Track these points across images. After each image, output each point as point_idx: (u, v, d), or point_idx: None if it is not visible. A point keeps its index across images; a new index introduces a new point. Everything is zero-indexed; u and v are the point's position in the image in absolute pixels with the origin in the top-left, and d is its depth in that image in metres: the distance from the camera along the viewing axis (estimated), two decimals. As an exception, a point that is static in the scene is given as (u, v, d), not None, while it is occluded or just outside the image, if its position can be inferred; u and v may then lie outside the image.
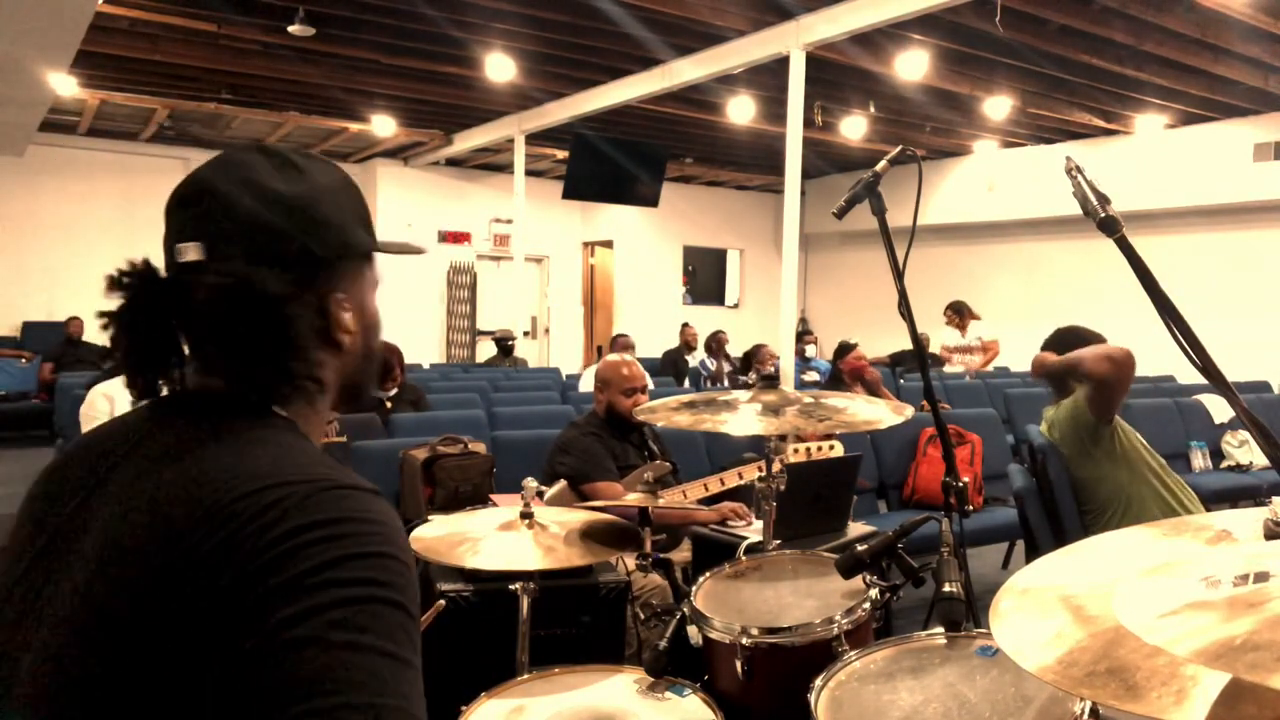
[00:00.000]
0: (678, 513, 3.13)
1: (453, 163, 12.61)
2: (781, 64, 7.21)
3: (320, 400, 0.92)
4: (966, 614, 1.61)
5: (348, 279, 0.91)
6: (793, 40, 7.00)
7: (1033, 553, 3.38)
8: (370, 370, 0.97)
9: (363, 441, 4.01)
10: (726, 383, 8.83)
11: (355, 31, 7.40)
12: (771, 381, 2.26)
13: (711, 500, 3.28)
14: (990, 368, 9.25)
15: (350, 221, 0.91)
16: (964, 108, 9.40)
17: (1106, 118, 9.89)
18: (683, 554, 3.24)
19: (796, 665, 1.69)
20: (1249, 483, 5.76)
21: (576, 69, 8.48)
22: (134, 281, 0.85)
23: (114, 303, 0.87)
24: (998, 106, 9.08)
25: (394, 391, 4.92)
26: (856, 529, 3.21)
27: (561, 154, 11.42)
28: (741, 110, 9.25)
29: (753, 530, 2.92)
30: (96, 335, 9.94)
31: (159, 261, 0.88)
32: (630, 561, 2.55)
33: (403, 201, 12.31)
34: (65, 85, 7.99)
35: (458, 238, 12.92)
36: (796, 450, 3.38)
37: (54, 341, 10.23)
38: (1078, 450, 3.10)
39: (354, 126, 10.50)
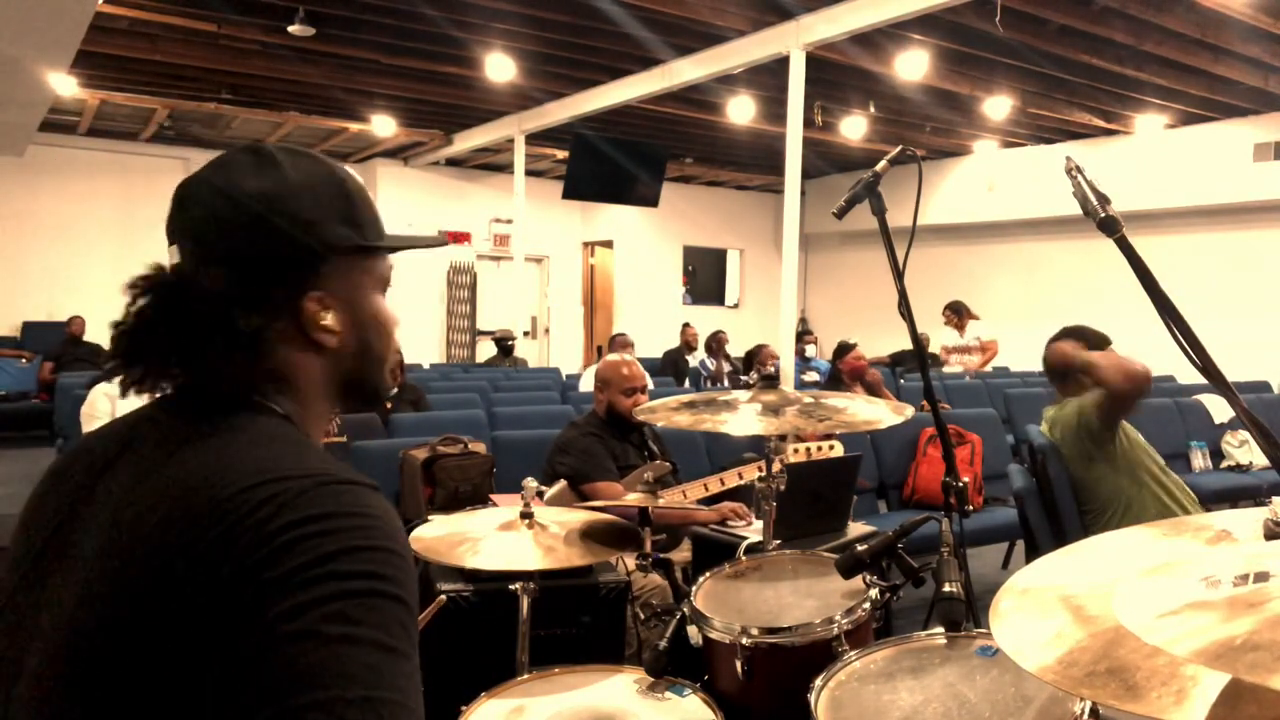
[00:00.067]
0: (678, 513, 3.13)
1: (453, 163, 12.62)
2: (781, 64, 7.21)
3: (313, 398, 0.91)
4: (966, 614, 1.61)
5: (331, 277, 0.89)
6: (793, 40, 7.00)
7: (1033, 553, 3.38)
8: (371, 369, 0.95)
9: (363, 441, 4.01)
10: (726, 383, 8.83)
11: (355, 31, 7.40)
12: (771, 381, 2.26)
13: (711, 500, 3.28)
14: (989, 368, 9.25)
15: (327, 218, 0.89)
16: (964, 108, 9.40)
17: (1106, 118, 9.89)
18: (683, 554, 3.24)
19: (796, 665, 1.69)
20: (1249, 483, 5.76)
21: (576, 69, 8.48)
22: (138, 284, 0.86)
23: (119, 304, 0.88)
24: (998, 106, 9.08)
25: (394, 391, 4.93)
26: (856, 529, 3.21)
27: (561, 154, 11.42)
28: (741, 110, 9.25)
29: (753, 530, 2.92)
30: (98, 334, 9.95)
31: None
32: (630, 561, 2.55)
33: (403, 201, 12.30)
34: (65, 85, 7.99)
35: (458, 238, 12.92)
36: (796, 450, 3.38)
37: (54, 341, 10.23)
38: (1079, 452, 3.10)
39: (354, 126, 10.50)
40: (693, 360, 9.72)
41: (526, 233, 11.38)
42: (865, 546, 1.75)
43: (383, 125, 10.37)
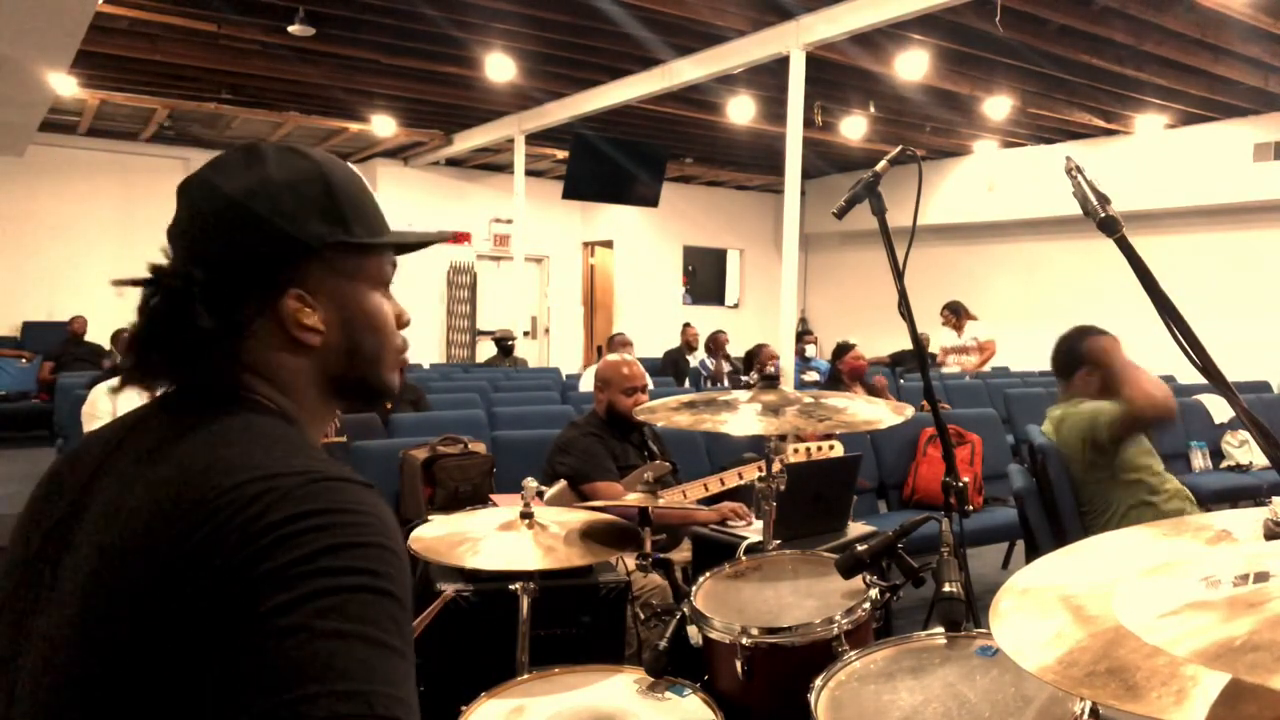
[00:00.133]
0: (678, 513, 3.13)
1: (453, 163, 12.62)
2: (781, 64, 7.21)
3: (306, 397, 0.90)
4: (966, 614, 1.61)
5: (315, 274, 0.88)
6: (793, 40, 7.00)
7: (1033, 553, 3.37)
8: (364, 368, 0.93)
9: (363, 441, 4.01)
10: (726, 383, 8.83)
11: (355, 31, 7.40)
12: (771, 381, 2.26)
13: (711, 500, 3.28)
14: (987, 367, 9.25)
15: (308, 215, 0.87)
16: (964, 108, 9.40)
17: (1106, 118, 9.89)
18: (683, 554, 3.24)
19: (796, 665, 1.69)
20: (1249, 483, 5.76)
21: (576, 69, 8.48)
22: (126, 282, 0.87)
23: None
24: (998, 106, 9.08)
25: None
26: (856, 529, 3.21)
27: (561, 154, 11.42)
28: (741, 110, 9.26)
29: (753, 530, 2.92)
30: (99, 335, 9.95)
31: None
32: (630, 561, 2.55)
33: (403, 201, 12.30)
34: (65, 85, 8.00)
35: (458, 238, 12.92)
36: (796, 450, 3.38)
37: (54, 341, 10.24)
38: (1080, 456, 3.08)
39: (354, 126, 10.50)
40: (693, 360, 9.72)
41: (526, 233, 11.38)
42: (865, 546, 1.75)
43: (383, 125, 10.37)
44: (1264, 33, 7.02)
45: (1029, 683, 1.39)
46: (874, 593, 1.79)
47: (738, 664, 1.75)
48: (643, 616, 2.70)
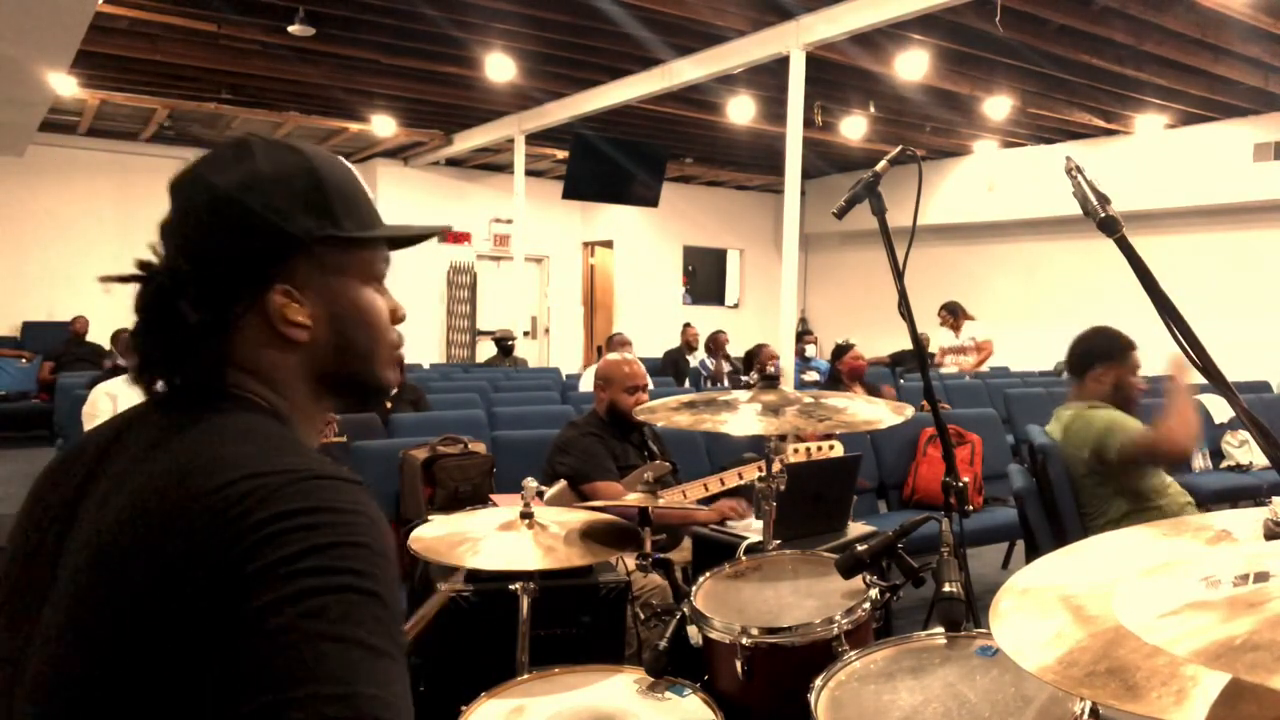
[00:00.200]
0: (677, 512, 3.13)
1: (453, 163, 12.62)
2: (781, 64, 7.21)
3: (297, 394, 0.89)
4: (966, 614, 1.61)
5: (302, 269, 0.87)
6: (793, 40, 7.00)
7: (1033, 553, 3.37)
8: (355, 365, 0.92)
9: (363, 441, 4.01)
10: (726, 383, 8.83)
11: (355, 31, 7.40)
12: (771, 381, 2.26)
13: (711, 500, 3.27)
14: (985, 367, 9.24)
15: (295, 209, 0.86)
16: (964, 108, 9.40)
17: (1106, 118, 9.89)
18: (683, 554, 3.24)
19: (796, 665, 1.69)
20: (1249, 483, 5.76)
21: (576, 69, 8.48)
22: (116, 278, 0.88)
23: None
24: (998, 106, 9.08)
25: (394, 391, 4.93)
26: (856, 529, 3.21)
27: (561, 154, 11.42)
28: (741, 110, 9.25)
29: (753, 530, 2.92)
30: (100, 335, 9.95)
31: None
32: (630, 561, 2.55)
33: (403, 201, 12.30)
34: (65, 85, 7.99)
35: (458, 238, 12.92)
36: (796, 450, 3.38)
37: (54, 341, 10.23)
38: (1084, 461, 3.06)
39: (354, 126, 10.50)
40: (693, 360, 9.72)
41: (526, 233, 11.38)
42: (865, 546, 1.75)
43: (383, 125, 10.37)
44: (1264, 33, 7.02)
45: (1029, 683, 1.39)
46: (874, 593, 1.79)
47: (738, 664, 1.75)
48: (643, 616, 2.70)
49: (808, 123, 7.82)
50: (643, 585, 2.87)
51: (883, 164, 2.10)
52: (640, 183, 11.40)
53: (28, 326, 10.83)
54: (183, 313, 0.83)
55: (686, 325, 10.40)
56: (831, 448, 3.48)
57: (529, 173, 11.44)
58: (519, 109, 10.04)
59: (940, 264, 11.82)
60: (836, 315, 13.91)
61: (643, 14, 6.80)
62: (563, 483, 3.27)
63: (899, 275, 2.09)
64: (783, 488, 2.24)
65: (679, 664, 1.86)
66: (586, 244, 14.39)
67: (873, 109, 9.49)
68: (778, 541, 2.26)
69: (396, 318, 0.96)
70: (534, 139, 10.68)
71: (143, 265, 0.86)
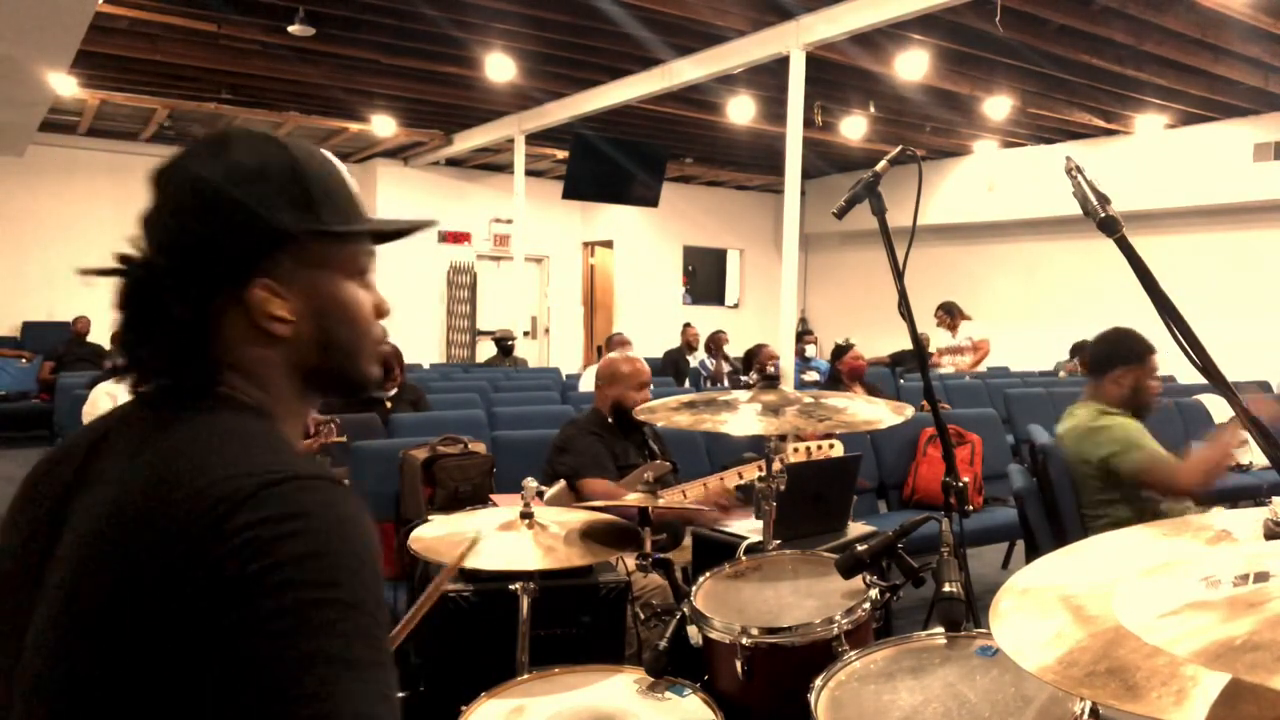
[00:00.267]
0: (676, 510, 3.13)
1: (453, 163, 12.62)
2: (781, 64, 7.21)
3: (280, 391, 0.88)
4: (966, 614, 1.61)
5: (283, 263, 0.85)
6: (793, 40, 7.00)
7: (1033, 553, 3.37)
8: (338, 361, 0.91)
9: (363, 441, 4.01)
10: (726, 383, 8.83)
11: (355, 31, 7.40)
12: (771, 381, 2.26)
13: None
14: (983, 367, 9.24)
15: (276, 203, 0.84)
16: (964, 108, 9.40)
17: (1106, 118, 9.89)
18: (683, 554, 3.23)
19: (796, 665, 1.69)
20: (1249, 483, 5.75)
21: (576, 69, 8.48)
22: (93, 272, 0.87)
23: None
24: (998, 106, 9.08)
25: (394, 391, 4.93)
26: (856, 529, 3.20)
27: (561, 154, 11.42)
28: (741, 110, 9.25)
29: (752, 530, 2.92)
30: (101, 335, 9.95)
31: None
32: (630, 561, 2.55)
33: (403, 201, 12.30)
34: (65, 85, 7.99)
35: (458, 238, 12.92)
36: (796, 449, 3.37)
37: (54, 341, 10.23)
38: (1089, 463, 3.04)
39: (354, 126, 10.50)
40: (693, 360, 9.72)
41: (526, 233, 11.38)
42: (865, 546, 1.75)
43: (383, 125, 10.37)
44: (1264, 33, 7.02)
45: (1029, 683, 1.39)
46: (874, 593, 1.78)
47: (738, 664, 1.75)
48: (643, 616, 2.70)
49: (808, 123, 7.82)
50: (643, 585, 2.86)
51: (883, 164, 2.10)
52: (640, 183, 11.40)
53: (28, 326, 10.83)
54: (165, 307, 0.82)
55: (686, 325, 10.41)
56: (831, 446, 3.47)
57: (529, 173, 11.44)
58: (519, 109, 10.04)
59: (940, 264, 11.82)
60: (836, 315, 13.91)
61: (643, 14, 6.80)
62: (563, 482, 3.27)
63: (899, 275, 2.09)
64: (783, 488, 2.24)
65: (679, 664, 1.86)
66: (586, 244, 14.39)
67: (873, 109, 9.49)
68: (778, 541, 2.26)
69: (381, 313, 0.95)
70: (534, 139, 10.68)
71: (123, 259, 0.85)
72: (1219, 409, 6.21)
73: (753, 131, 10.29)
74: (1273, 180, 9.60)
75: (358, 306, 0.91)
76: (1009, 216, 11.83)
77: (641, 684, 1.84)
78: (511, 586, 2.09)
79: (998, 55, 7.72)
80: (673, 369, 9.56)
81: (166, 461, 0.76)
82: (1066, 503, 3.14)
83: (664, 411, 2.21)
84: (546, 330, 13.73)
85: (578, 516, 2.17)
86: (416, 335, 11.83)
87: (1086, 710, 1.16)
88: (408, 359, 5.90)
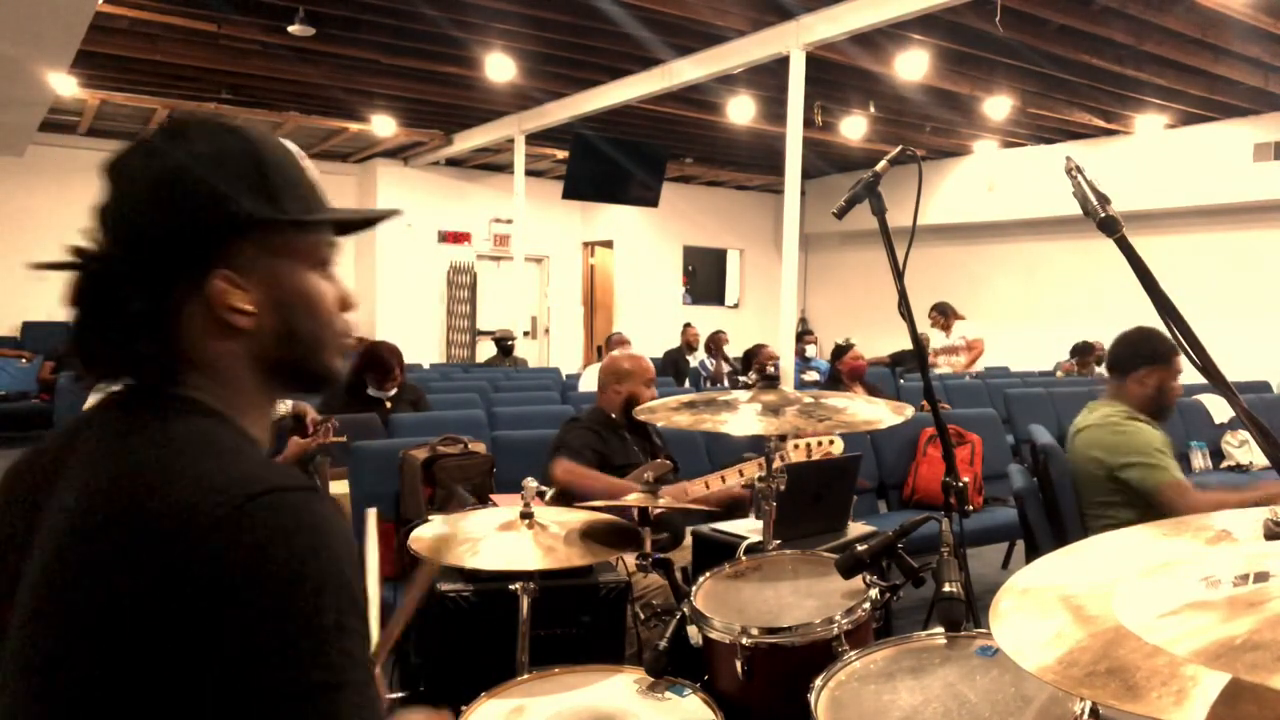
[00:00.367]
0: (718, 494, 3.17)
1: (453, 163, 12.61)
2: (781, 64, 7.21)
3: (241, 385, 0.85)
4: (966, 614, 1.61)
5: (244, 254, 0.83)
6: (793, 40, 7.00)
7: (1033, 553, 3.36)
8: (301, 353, 0.88)
9: (363, 441, 4.01)
10: (726, 383, 8.83)
11: (355, 31, 7.40)
12: (771, 381, 2.26)
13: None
14: (978, 366, 9.25)
15: (235, 191, 0.82)
16: (964, 108, 9.40)
17: (1106, 118, 9.89)
18: (683, 554, 3.23)
19: (796, 665, 1.69)
20: (1249, 483, 5.76)
21: (576, 69, 8.48)
22: (46, 266, 0.86)
23: None
24: (998, 106, 9.08)
25: (394, 391, 4.92)
26: (856, 529, 3.20)
27: (561, 154, 11.42)
28: (741, 110, 9.25)
29: (752, 530, 2.92)
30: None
31: None
32: (630, 561, 2.55)
33: (403, 201, 12.29)
34: (65, 85, 7.99)
35: (458, 238, 12.92)
36: (797, 446, 3.37)
37: (54, 341, 10.22)
38: (1100, 464, 3.02)
39: (354, 126, 10.50)
40: (693, 360, 9.72)
41: (526, 233, 11.38)
42: (865, 546, 1.75)
43: (383, 125, 10.37)
44: (1264, 33, 7.02)
45: (1029, 683, 1.39)
46: (874, 593, 1.79)
47: (738, 664, 1.75)
48: (643, 616, 2.70)
49: (808, 123, 7.82)
50: (643, 585, 2.86)
51: (883, 164, 2.10)
52: (640, 183, 11.40)
53: (28, 326, 10.83)
54: (122, 300, 0.80)
55: (686, 325, 10.41)
56: (832, 442, 3.47)
57: (529, 173, 11.44)
58: (519, 109, 10.04)
59: (940, 264, 11.83)
60: (836, 315, 13.92)
61: (643, 14, 6.80)
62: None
63: (899, 275, 2.09)
64: (783, 488, 2.24)
65: (679, 664, 1.86)
66: (586, 244, 14.39)
67: (873, 109, 9.49)
68: (778, 541, 2.26)
69: (346, 305, 0.92)
70: (534, 139, 10.68)
71: (78, 252, 0.82)
72: (1219, 409, 6.21)
73: (753, 131, 10.29)
74: (1273, 180, 9.60)
75: (320, 297, 0.89)
76: (1009, 216, 11.83)
77: (641, 684, 1.84)
78: (511, 586, 2.09)
79: (998, 55, 7.72)
80: (673, 369, 9.56)
81: (127, 476, 0.74)
82: (1066, 503, 3.14)
83: (664, 411, 2.21)
84: (546, 330, 13.73)
85: (578, 516, 2.18)
86: (416, 335, 11.83)
87: (1086, 710, 1.16)
88: (408, 359, 5.91)
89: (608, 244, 14.16)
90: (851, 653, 1.63)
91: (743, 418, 2.12)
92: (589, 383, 6.77)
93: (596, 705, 1.78)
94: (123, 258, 0.81)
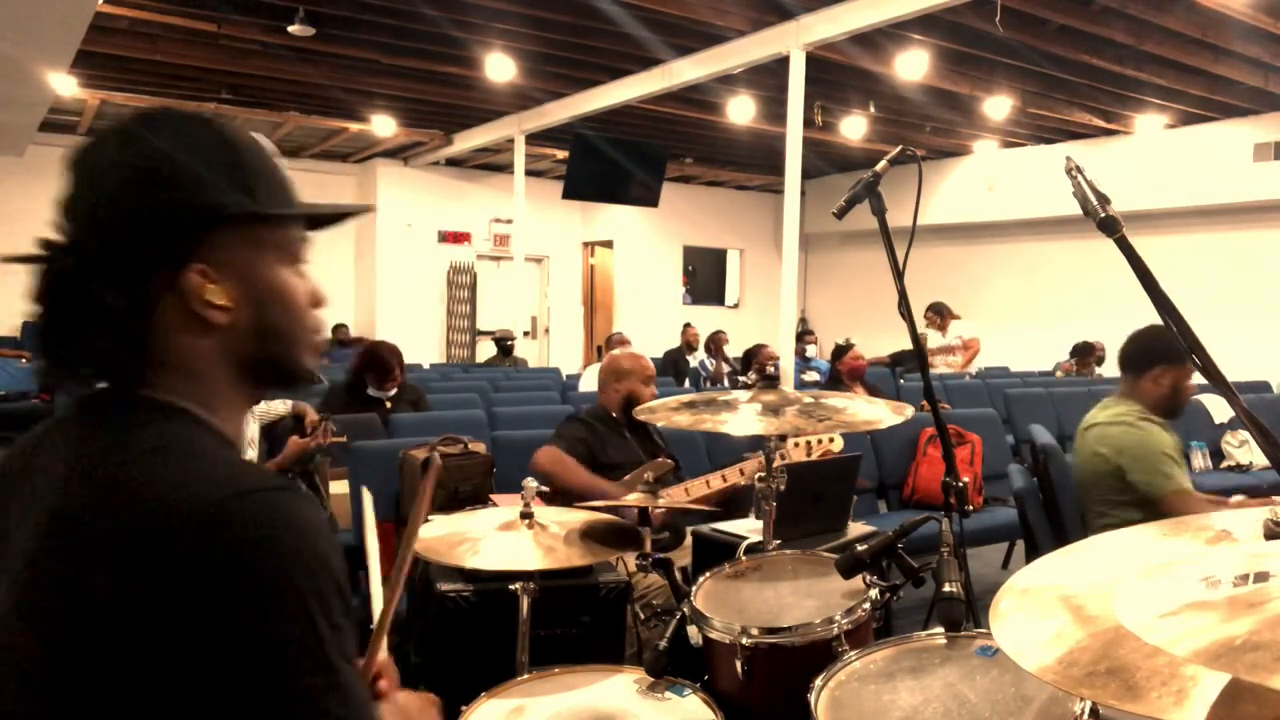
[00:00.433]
0: (683, 504, 3.16)
1: (453, 163, 12.62)
2: (781, 64, 7.21)
3: (215, 384, 0.83)
4: (966, 614, 1.61)
5: (219, 247, 0.81)
6: (793, 40, 7.00)
7: (1033, 553, 3.36)
8: (276, 349, 0.86)
9: (363, 441, 4.01)
10: (726, 383, 8.83)
11: (355, 31, 7.40)
12: (771, 381, 2.26)
13: (713, 498, 3.27)
14: (974, 366, 9.25)
15: (210, 184, 0.80)
16: (964, 108, 9.40)
17: (1106, 118, 9.89)
18: (683, 554, 3.23)
19: (796, 665, 1.69)
20: (1249, 483, 5.75)
21: (576, 69, 8.48)
22: (11, 260, 0.85)
23: None
24: (998, 106, 9.08)
25: (394, 391, 4.92)
26: (856, 529, 3.20)
27: (561, 154, 11.42)
28: (741, 110, 9.25)
29: (752, 530, 2.92)
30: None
31: None
32: (630, 561, 2.55)
33: (403, 201, 12.30)
34: (65, 85, 7.99)
35: (458, 238, 12.92)
36: (797, 443, 3.37)
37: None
38: (1109, 461, 3.01)
39: (354, 126, 10.50)
40: (693, 360, 9.72)
41: (526, 233, 11.38)
42: (865, 546, 1.75)
43: (383, 125, 10.37)
44: (1264, 33, 7.02)
45: (1029, 683, 1.39)
46: (874, 593, 1.78)
47: (738, 664, 1.75)
48: (643, 616, 2.70)
49: (808, 123, 7.82)
50: (643, 585, 2.87)
51: (883, 164, 2.10)
52: (640, 183, 11.40)
53: (28, 326, 10.82)
54: (92, 295, 0.77)
55: (686, 325, 10.41)
56: (831, 440, 3.47)
57: (529, 173, 11.45)
58: (519, 109, 10.04)
59: (940, 264, 11.83)
60: (836, 315, 13.92)
61: (643, 14, 6.80)
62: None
63: (899, 275, 2.09)
64: (783, 488, 2.24)
65: (679, 664, 1.85)
66: (586, 244, 14.39)
67: (873, 109, 9.49)
68: (778, 541, 2.26)
69: (317, 302, 0.90)
70: (534, 139, 10.68)
71: (46, 245, 0.80)
72: (1219, 409, 6.21)
73: (753, 131, 10.29)
74: (1273, 180, 9.61)
75: (294, 293, 0.87)
76: (1009, 216, 11.83)
77: (641, 684, 1.84)
78: (511, 586, 2.09)
79: (998, 55, 7.72)
80: (673, 369, 9.56)
81: (109, 480, 0.73)
82: (1066, 503, 3.14)
83: (664, 411, 2.21)
84: (546, 330, 13.73)
85: (578, 516, 2.18)
86: (416, 335, 11.83)
87: (1086, 710, 1.16)
88: (408, 359, 5.90)
89: (608, 244, 14.16)
90: (851, 653, 1.63)
91: (743, 418, 2.12)
92: (589, 383, 6.77)
93: (596, 705, 1.78)
94: (95, 250, 0.78)
